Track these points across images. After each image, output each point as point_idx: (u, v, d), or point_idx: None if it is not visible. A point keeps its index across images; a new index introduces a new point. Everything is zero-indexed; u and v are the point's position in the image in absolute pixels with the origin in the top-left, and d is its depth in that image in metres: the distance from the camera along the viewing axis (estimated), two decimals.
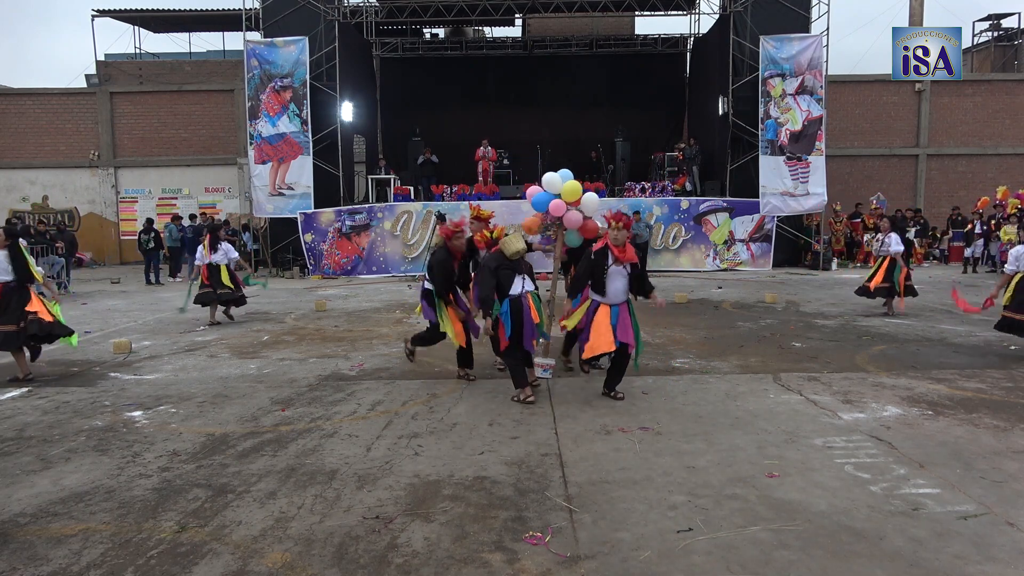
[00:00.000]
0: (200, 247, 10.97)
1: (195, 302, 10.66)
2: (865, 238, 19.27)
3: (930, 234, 21.14)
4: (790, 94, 18.07)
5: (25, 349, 7.23)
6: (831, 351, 8.14)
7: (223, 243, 10.91)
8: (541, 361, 7.03)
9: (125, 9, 26.27)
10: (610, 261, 6.01)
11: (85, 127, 23.56)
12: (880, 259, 10.86)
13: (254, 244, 19.27)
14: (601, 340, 5.95)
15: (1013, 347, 8.14)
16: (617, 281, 6.04)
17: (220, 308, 10.91)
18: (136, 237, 18.97)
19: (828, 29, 18.28)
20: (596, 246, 6.04)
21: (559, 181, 7.03)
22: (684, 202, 18.37)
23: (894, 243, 10.62)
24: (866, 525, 3.68)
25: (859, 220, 20.20)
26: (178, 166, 23.72)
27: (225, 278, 10.60)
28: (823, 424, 5.39)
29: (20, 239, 7.52)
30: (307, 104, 18.29)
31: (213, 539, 3.63)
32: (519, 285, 6.15)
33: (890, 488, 4.15)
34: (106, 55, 26.53)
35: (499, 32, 27.12)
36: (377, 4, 21.52)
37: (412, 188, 19.42)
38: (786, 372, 7.09)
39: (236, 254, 11.14)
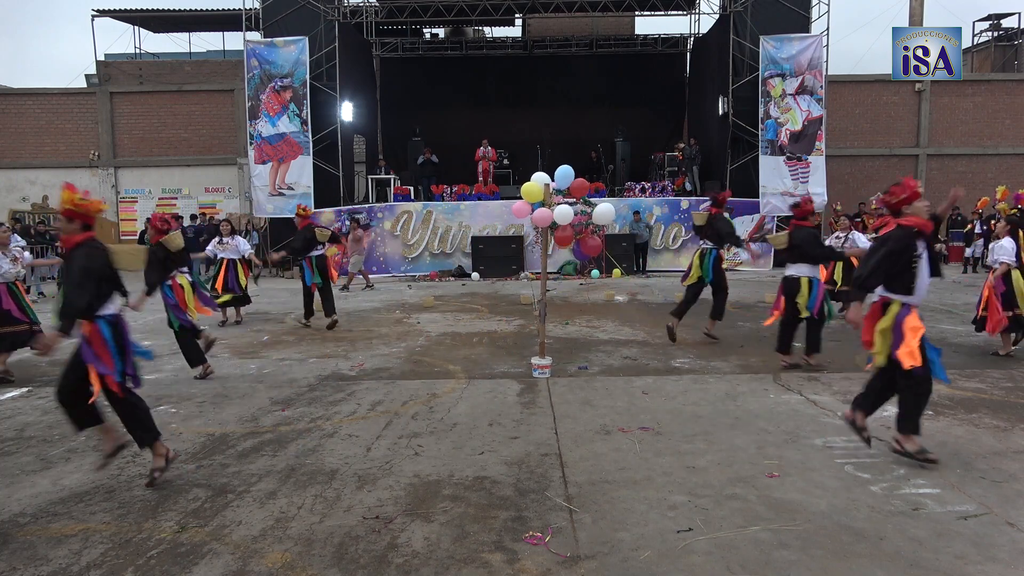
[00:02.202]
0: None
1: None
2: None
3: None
4: (790, 94, 18.09)
5: None
6: (831, 351, 8.12)
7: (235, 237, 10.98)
8: (538, 362, 7.05)
9: (125, 9, 26.26)
10: (921, 247, 4.51)
11: (85, 127, 23.55)
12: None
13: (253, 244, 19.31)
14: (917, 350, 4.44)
15: (1014, 347, 8.13)
16: (925, 271, 4.58)
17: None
18: (137, 237, 18.98)
19: (828, 29, 18.30)
20: (887, 229, 4.54)
21: (566, 176, 7.06)
22: (684, 202, 18.38)
23: (860, 240, 10.45)
24: (866, 525, 3.68)
25: (859, 220, 20.19)
26: (178, 166, 23.71)
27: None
28: (823, 424, 5.39)
29: None
30: (307, 104, 18.31)
31: (213, 539, 3.63)
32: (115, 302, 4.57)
33: (890, 488, 4.15)
34: (106, 55, 26.52)
35: (499, 32, 27.14)
36: (377, 4, 21.53)
37: (412, 188, 19.44)
38: (786, 372, 7.09)
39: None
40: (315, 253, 10.09)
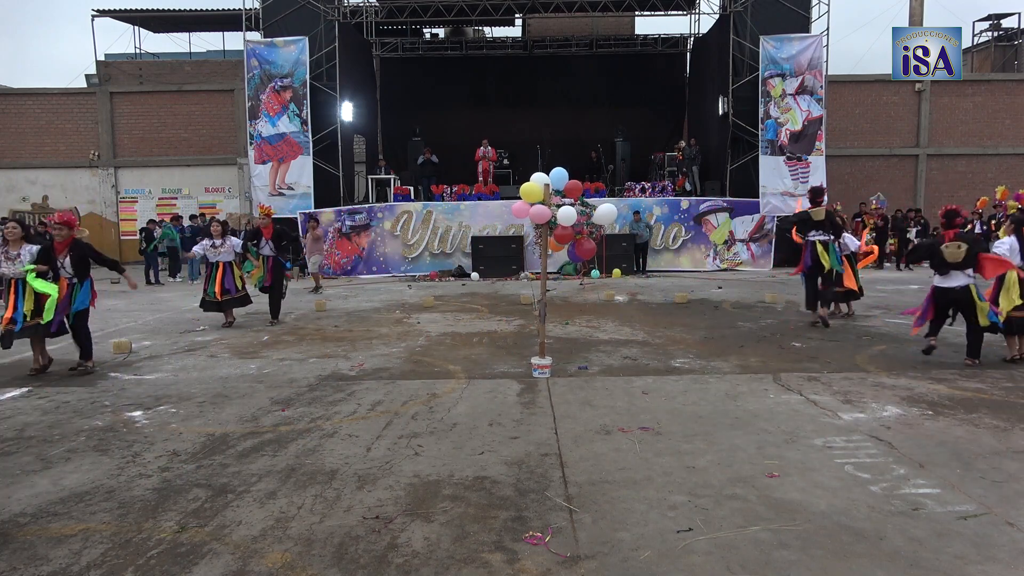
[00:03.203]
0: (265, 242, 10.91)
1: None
2: (866, 238, 19.26)
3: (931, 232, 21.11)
4: (790, 94, 18.09)
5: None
6: (831, 351, 8.14)
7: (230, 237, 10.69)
8: (538, 362, 7.06)
9: (125, 9, 26.28)
10: None
11: (85, 127, 23.57)
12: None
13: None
14: None
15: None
16: None
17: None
18: (135, 237, 19.05)
19: (828, 29, 18.31)
20: None
21: (558, 177, 7.06)
22: (684, 202, 18.39)
23: (851, 243, 10.48)
24: (866, 525, 3.68)
25: (859, 220, 20.20)
26: (178, 166, 23.73)
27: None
28: (823, 424, 5.39)
29: None
30: (307, 104, 18.32)
31: (213, 539, 3.63)
32: None
33: (890, 488, 4.15)
34: (106, 55, 26.55)
35: (499, 32, 27.18)
36: (377, 4, 21.54)
37: (412, 188, 19.44)
38: (786, 372, 7.09)
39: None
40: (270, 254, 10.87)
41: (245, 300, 10.71)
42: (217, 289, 10.24)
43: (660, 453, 4.79)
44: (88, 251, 7.75)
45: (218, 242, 10.37)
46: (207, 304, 10.42)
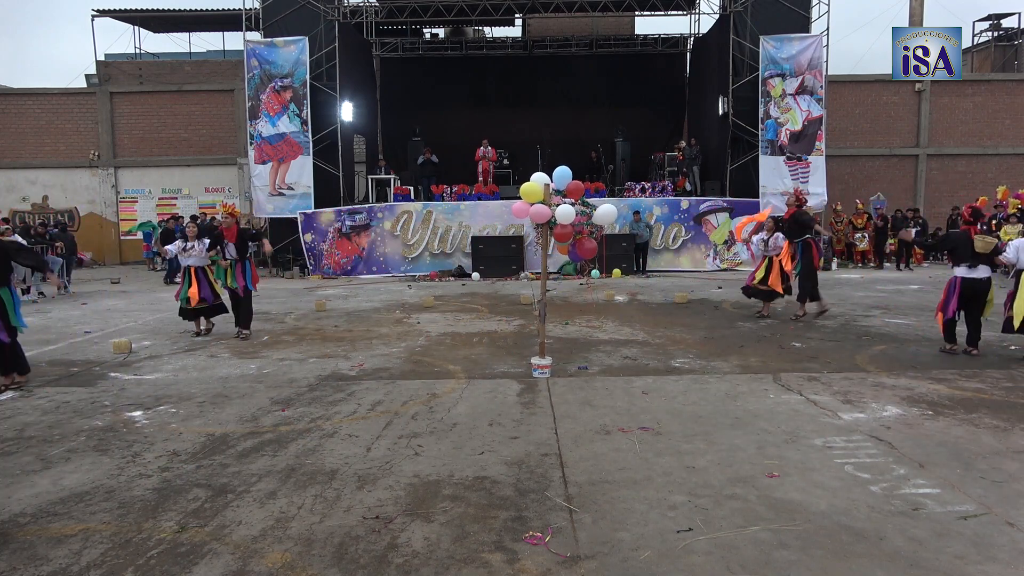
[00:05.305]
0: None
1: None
2: (856, 236, 19.37)
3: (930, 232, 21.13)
4: (790, 94, 18.09)
5: None
6: (831, 351, 8.14)
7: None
8: (538, 362, 7.06)
9: (125, 9, 26.26)
10: None
11: (85, 127, 23.55)
12: (767, 260, 10.49)
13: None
14: None
15: (1013, 347, 8.14)
16: None
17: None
18: (136, 238, 19.03)
19: (828, 29, 18.30)
20: None
21: (562, 177, 7.07)
22: (684, 202, 18.38)
23: (782, 242, 10.55)
24: (866, 525, 3.68)
25: (849, 221, 20.23)
26: (178, 166, 23.72)
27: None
28: (823, 424, 5.39)
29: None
30: (307, 104, 18.31)
31: (213, 539, 3.63)
32: None
33: (890, 488, 4.15)
34: (106, 55, 26.52)
35: (499, 32, 27.15)
36: (377, 4, 21.53)
37: (412, 188, 19.43)
38: (786, 372, 7.09)
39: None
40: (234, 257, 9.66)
41: (220, 309, 9.88)
42: (193, 297, 9.49)
43: (660, 453, 4.79)
44: (11, 252, 7.03)
45: (190, 244, 9.59)
46: (183, 312, 9.75)
